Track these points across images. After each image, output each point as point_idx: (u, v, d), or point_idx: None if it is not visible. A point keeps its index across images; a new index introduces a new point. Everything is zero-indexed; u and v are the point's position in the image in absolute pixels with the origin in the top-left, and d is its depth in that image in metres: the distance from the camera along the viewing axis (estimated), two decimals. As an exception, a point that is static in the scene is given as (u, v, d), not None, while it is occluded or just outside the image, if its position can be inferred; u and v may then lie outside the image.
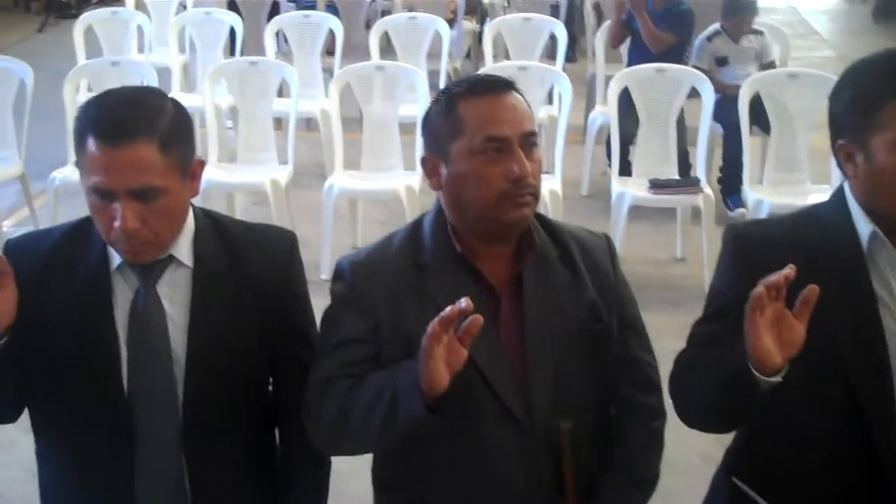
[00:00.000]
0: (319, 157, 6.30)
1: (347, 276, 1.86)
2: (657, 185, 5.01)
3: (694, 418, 1.85)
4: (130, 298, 1.81)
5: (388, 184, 5.12)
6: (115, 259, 1.80)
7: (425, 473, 1.85)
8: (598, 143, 6.25)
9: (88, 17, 7.00)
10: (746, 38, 6.04)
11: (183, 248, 1.83)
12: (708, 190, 5.04)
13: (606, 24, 6.55)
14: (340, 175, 5.21)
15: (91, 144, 1.68)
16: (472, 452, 1.80)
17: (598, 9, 7.63)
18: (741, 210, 5.51)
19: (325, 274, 4.86)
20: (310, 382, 1.82)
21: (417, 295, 1.81)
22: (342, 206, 5.34)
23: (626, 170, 5.44)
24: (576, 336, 1.84)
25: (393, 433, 1.71)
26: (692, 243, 5.28)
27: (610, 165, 5.52)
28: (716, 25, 6.11)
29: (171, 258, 1.82)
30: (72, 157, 5.18)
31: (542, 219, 1.93)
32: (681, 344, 1.91)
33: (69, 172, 5.07)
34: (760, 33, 6.09)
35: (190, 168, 1.79)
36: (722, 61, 5.98)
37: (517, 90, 1.83)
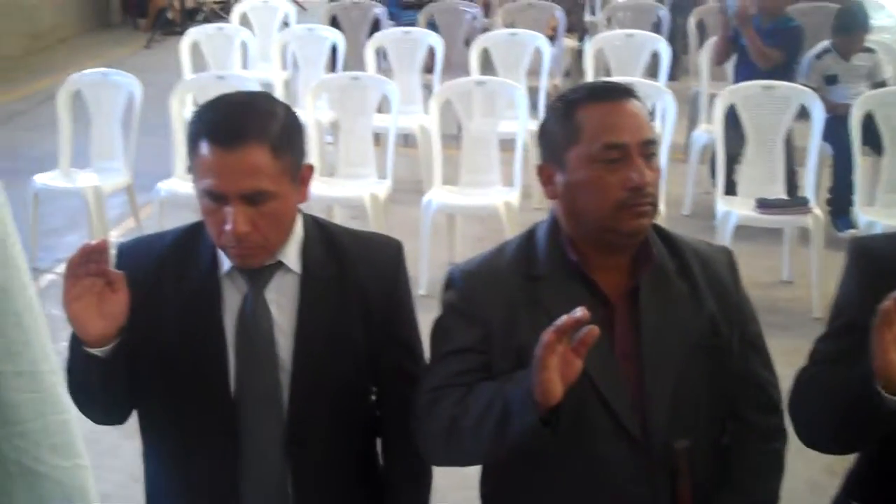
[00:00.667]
0: (417, 173, 6.31)
1: (459, 284, 1.83)
2: (764, 205, 4.88)
3: (814, 438, 1.78)
4: (239, 303, 1.81)
5: (486, 199, 5.09)
6: (225, 264, 1.81)
7: (535, 489, 1.80)
8: (702, 163, 6.13)
9: (194, 33, 7.16)
10: (857, 55, 5.84)
11: (291, 255, 1.83)
12: (817, 210, 4.89)
13: (710, 41, 6.43)
14: (439, 190, 5.20)
15: (204, 148, 1.70)
16: (585, 469, 1.75)
17: (701, 26, 7.51)
18: (851, 232, 5.33)
19: (423, 289, 4.86)
20: (420, 391, 1.80)
21: (530, 306, 1.76)
22: (440, 222, 5.32)
23: (730, 189, 5.32)
24: (694, 351, 1.78)
25: (503, 445, 1.66)
26: (799, 266, 5.13)
27: (714, 184, 5.40)
28: (825, 43, 5.93)
29: (280, 264, 1.82)
30: (178, 169, 5.30)
31: (660, 230, 1.87)
32: (790, 370, 1.84)
33: (175, 184, 5.18)
34: (872, 51, 5.89)
35: (300, 173, 1.79)
36: (832, 80, 5.81)
37: (637, 97, 1.78)
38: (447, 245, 5.42)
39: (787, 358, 1.89)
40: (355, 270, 1.87)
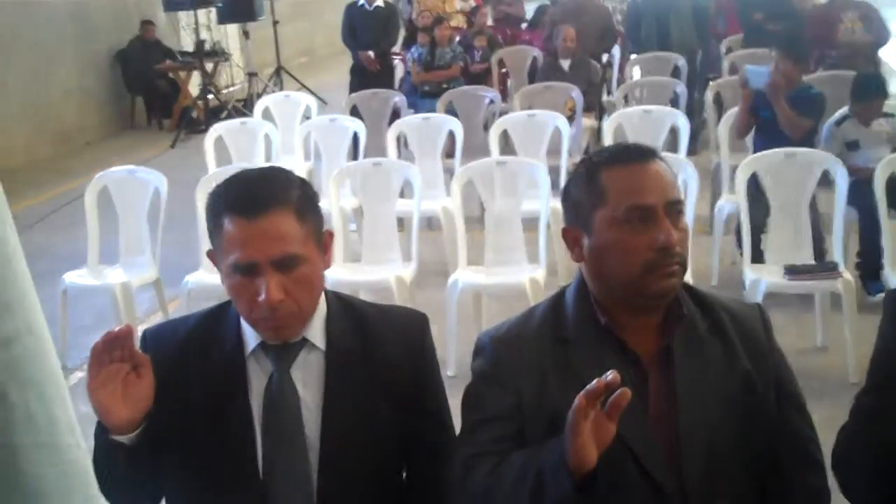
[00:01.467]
0: (441, 256, 6.31)
1: (489, 351, 1.82)
2: (793, 271, 4.83)
3: (859, 496, 1.73)
4: (264, 383, 1.80)
5: (512, 278, 5.08)
6: (250, 344, 1.81)
7: None
8: (726, 234, 6.10)
9: (219, 128, 7.27)
10: (877, 121, 5.85)
11: (316, 331, 1.83)
12: (847, 274, 4.84)
13: (730, 112, 6.45)
14: (464, 271, 5.20)
15: (228, 223, 1.71)
16: None
17: (718, 99, 7.56)
18: (883, 295, 5.25)
19: (451, 370, 4.82)
20: (455, 460, 1.77)
21: (561, 370, 1.75)
22: (466, 303, 5.31)
23: (758, 258, 5.27)
24: (730, 410, 1.75)
25: None
26: (832, 331, 5.05)
27: (741, 254, 5.36)
28: (844, 110, 5.93)
29: (305, 341, 1.82)
30: (204, 261, 5.32)
31: (690, 289, 1.85)
32: (828, 436, 1.80)
33: (202, 276, 5.20)
34: (892, 115, 5.89)
35: (322, 239, 1.80)
36: (853, 146, 5.80)
37: (661, 158, 1.78)
38: (474, 326, 5.39)
39: (826, 424, 1.85)
40: (381, 344, 1.86)
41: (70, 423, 1.01)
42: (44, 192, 9.33)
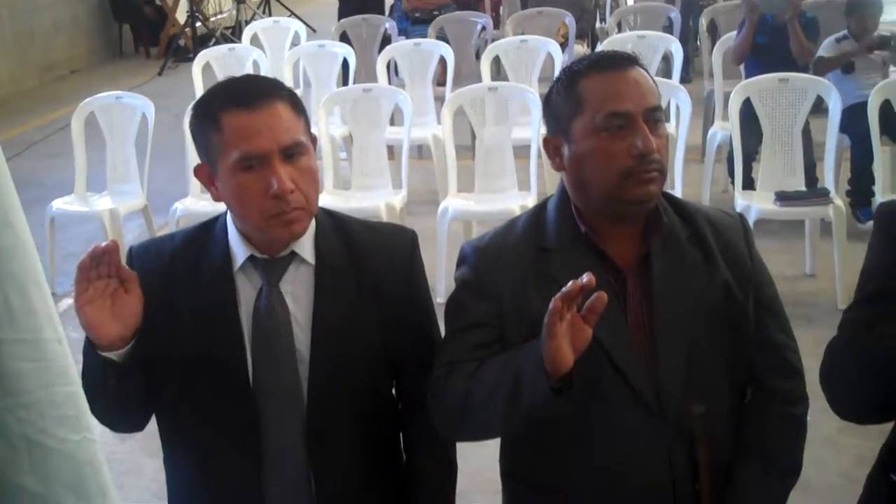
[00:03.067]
0: (432, 184, 6.29)
1: (471, 260, 1.82)
2: (784, 198, 4.83)
3: (850, 408, 1.73)
4: (254, 297, 1.79)
5: (502, 205, 5.05)
6: (239, 258, 1.79)
7: (553, 460, 1.79)
8: (718, 161, 6.08)
9: (206, 54, 7.18)
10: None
11: (305, 245, 1.81)
12: (838, 201, 4.83)
13: (724, 38, 6.38)
14: (455, 198, 5.18)
15: (231, 118, 1.68)
16: (601, 438, 1.74)
17: (712, 26, 7.48)
18: (871, 223, 5.26)
19: (441, 297, 4.82)
20: (434, 367, 1.78)
21: (541, 278, 1.75)
22: (457, 231, 5.29)
23: (749, 185, 5.26)
24: (708, 318, 1.75)
25: (517, 416, 1.65)
26: (822, 258, 5.07)
27: (732, 182, 5.35)
28: (844, 31, 5.91)
29: (294, 255, 1.80)
30: (193, 188, 5.29)
31: (670, 198, 1.85)
32: (815, 362, 1.79)
33: (191, 203, 5.18)
34: (887, 37, 5.83)
35: (311, 136, 1.78)
36: (847, 67, 5.76)
37: (641, 65, 1.75)
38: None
39: (815, 349, 1.84)
40: (370, 259, 1.84)
41: (51, 318, 0.99)
42: (31, 120, 9.25)
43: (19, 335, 0.94)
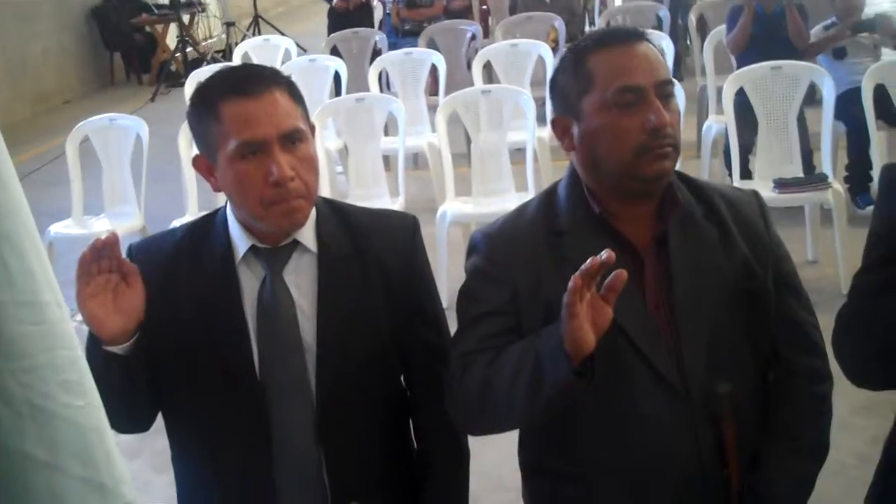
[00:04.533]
0: (428, 193, 6.26)
1: (482, 248, 1.79)
2: (782, 185, 4.81)
3: (863, 372, 1.71)
4: (257, 288, 1.77)
5: (501, 206, 5.02)
6: (241, 249, 1.78)
7: (576, 448, 1.75)
8: (714, 156, 6.07)
9: (198, 74, 7.16)
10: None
11: (307, 234, 1.80)
12: (837, 185, 4.83)
13: (714, 32, 6.39)
14: (453, 202, 5.16)
15: (229, 106, 1.68)
16: (625, 423, 1.69)
17: (701, 22, 7.48)
18: (872, 207, 5.24)
19: (444, 302, 4.79)
20: (450, 359, 1.74)
21: (555, 262, 1.71)
22: (456, 237, 5.28)
23: (747, 176, 5.25)
24: (729, 296, 1.72)
25: (538, 402, 1.60)
26: (823, 245, 5.06)
27: (730, 175, 5.34)
28: (832, 18, 5.92)
29: (296, 243, 1.79)
30: (191, 206, 5.27)
31: (683, 177, 1.81)
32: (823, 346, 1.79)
33: (188, 220, 5.15)
34: (872, 19, 5.86)
35: (310, 124, 1.77)
36: (839, 53, 5.77)
37: (648, 39, 1.73)
38: (464, 259, 5.36)
39: (823, 334, 1.83)
40: (372, 246, 1.83)
41: (48, 279, 0.96)
42: (25, 151, 9.22)
43: (18, 297, 0.92)
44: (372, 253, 1.82)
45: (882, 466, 1.86)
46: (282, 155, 1.67)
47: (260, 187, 1.67)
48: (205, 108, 1.71)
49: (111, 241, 1.66)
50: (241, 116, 1.67)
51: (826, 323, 1.81)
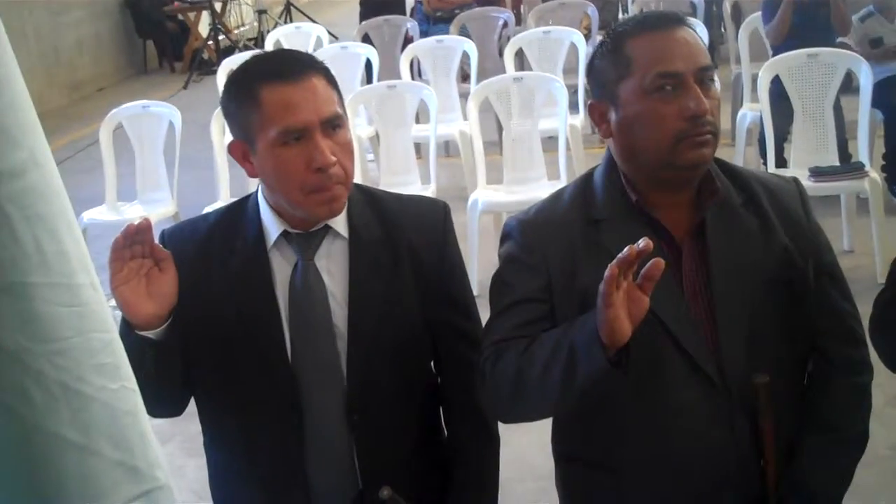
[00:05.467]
0: (460, 181, 6.25)
1: (516, 234, 1.76)
2: (818, 173, 4.75)
3: None
4: (289, 274, 1.77)
5: (533, 194, 5.00)
6: (272, 235, 1.77)
7: (611, 439, 1.72)
8: (749, 145, 6.01)
9: (230, 62, 7.19)
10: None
11: (339, 219, 1.79)
12: (874, 174, 4.76)
13: (750, 19, 6.32)
14: (484, 190, 5.14)
15: (270, 91, 1.67)
16: (661, 414, 1.67)
17: (736, 9, 7.41)
18: (911, 196, 5.19)
19: (475, 290, 4.78)
20: (483, 346, 1.72)
21: (591, 250, 1.68)
22: (487, 225, 5.26)
23: (782, 165, 5.19)
24: (768, 285, 1.68)
25: (573, 391, 1.58)
26: (859, 234, 5.00)
27: (765, 162, 5.28)
28: (869, 7, 5.82)
29: (328, 228, 1.78)
30: (222, 193, 5.30)
31: (722, 164, 1.78)
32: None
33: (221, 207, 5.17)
34: (916, 12, 5.76)
35: (344, 110, 1.76)
36: (876, 42, 5.68)
37: (688, 24, 1.69)
38: (495, 247, 5.34)
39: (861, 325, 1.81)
40: (403, 232, 1.82)
41: (84, 261, 0.95)
42: (59, 138, 9.30)
43: (52, 279, 0.91)
44: (403, 238, 1.81)
45: None
46: (323, 140, 1.67)
47: (302, 174, 1.67)
48: (243, 93, 1.70)
49: (144, 227, 1.67)
50: (283, 102, 1.66)
51: (863, 313, 1.79)
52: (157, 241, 1.78)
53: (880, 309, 1.70)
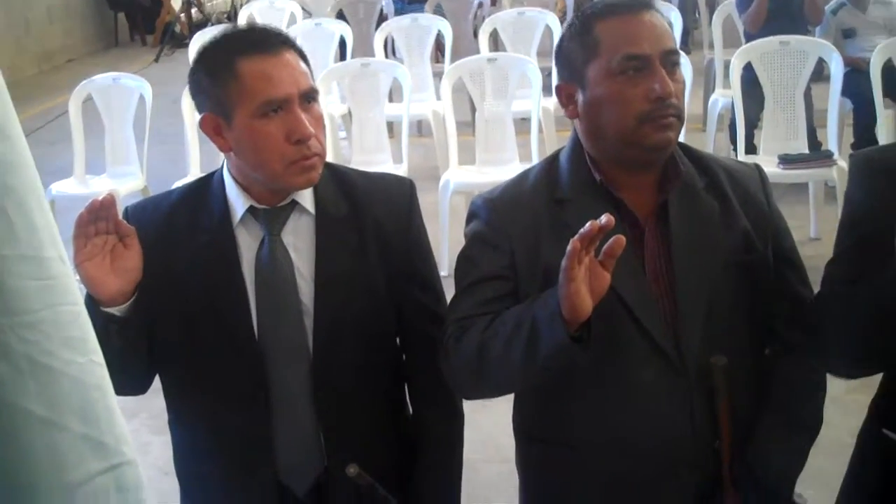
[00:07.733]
0: (432, 160, 6.25)
1: (482, 213, 1.77)
2: (787, 161, 4.80)
3: (837, 361, 1.73)
4: (255, 250, 1.76)
5: (504, 176, 4.97)
6: (238, 211, 1.77)
7: (570, 417, 1.75)
8: (720, 130, 6.04)
9: (201, 35, 7.13)
10: (874, 6, 5.75)
11: (305, 195, 1.79)
12: (842, 162, 4.80)
13: (723, 5, 6.34)
14: (456, 170, 5.14)
15: (249, 63, 1.66)
16: (620, 393, 1.69)
17: (710, -4, 7.45)
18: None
19: (444, 271, 4.78)
20: (447, 323, 1.73)
21: (556, 229, 1.69)
22: (458, 205, 5.26)
23: (752, 151, 5.24)
24: (728, 268, 1.71)
25: (534, 367, 1.60)
26: (826, 222, 5.03)
27: (735, 149, 5.32)
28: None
29: (295, 204, 1.78)
30: (192, 168, 5.26)
31: (686, 148, 1.80)
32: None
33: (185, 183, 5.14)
34: (889, 3, 5.79)
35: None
36: (849, 33, 5.72)
37: (656, 8, 1.71)
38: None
39: None
40: (369, 208, 1.82)
41: (52, 235, 0.94)
42: (29, 108, 9.21)
43: (21, 251, 0.90)
44: (370, 216, 1.81)
45: (855, 459, 1.87)
46: (302, 112, 1.67)
47: (282, 145, 1.66)
48: (219, 66, 1.68)
49: (108, 202, 1.65)
50: (263, 74, 1.65)
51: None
52: (121, 216, 1.77)
53: (821, 307, 1.72)
